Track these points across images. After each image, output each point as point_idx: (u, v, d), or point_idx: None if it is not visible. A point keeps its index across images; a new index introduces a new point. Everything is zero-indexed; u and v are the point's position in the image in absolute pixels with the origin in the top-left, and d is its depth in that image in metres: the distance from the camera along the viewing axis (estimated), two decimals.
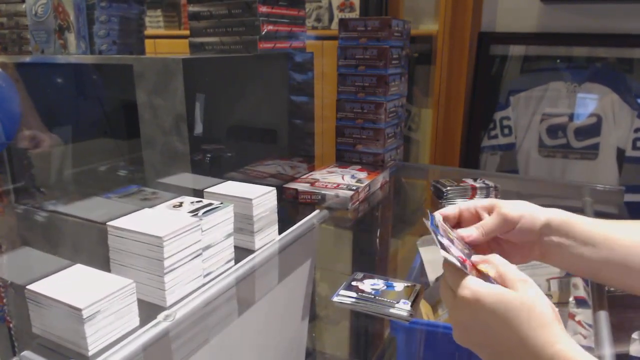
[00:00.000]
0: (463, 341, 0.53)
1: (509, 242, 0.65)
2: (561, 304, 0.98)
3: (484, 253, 0.60)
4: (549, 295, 1.00)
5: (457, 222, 0.67)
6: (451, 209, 0.66)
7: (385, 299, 0.73)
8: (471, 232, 0.63)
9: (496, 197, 1.19)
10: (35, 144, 0.98)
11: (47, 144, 0.98)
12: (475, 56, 1.96)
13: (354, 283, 0.77)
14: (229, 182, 0.82)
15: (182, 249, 0.62)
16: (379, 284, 0.77)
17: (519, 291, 0.49)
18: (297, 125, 1.19)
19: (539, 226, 0.62)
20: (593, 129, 1.81)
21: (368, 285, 0.77)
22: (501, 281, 0.52)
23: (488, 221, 0.63)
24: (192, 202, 0.71)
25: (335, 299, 0.74)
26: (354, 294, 0.74)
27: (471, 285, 0.51)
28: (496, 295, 0.49)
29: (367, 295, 0.74)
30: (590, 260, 0.62)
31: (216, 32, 1.02)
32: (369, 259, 1.31)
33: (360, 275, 0.80)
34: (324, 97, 1.57)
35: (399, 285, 0.77)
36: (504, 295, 0.49)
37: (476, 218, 0.65)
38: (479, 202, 0.65)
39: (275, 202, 0.81)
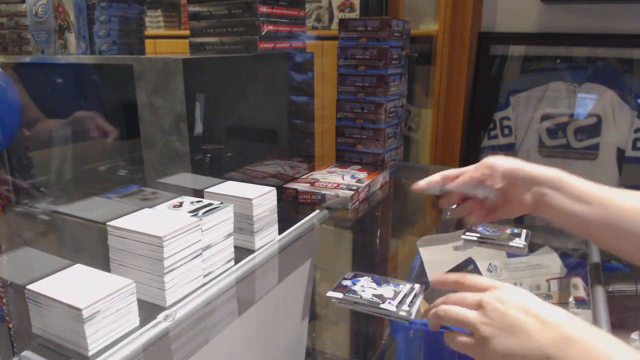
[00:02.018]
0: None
1: (502, 195, 0.72)
2: (561, 304, 0.98)
3: (476, 207, 0.74)
4: (549, 296, 1.00)
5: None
6: (452, 171, 0.75)
7: (384, 299, 0.73)
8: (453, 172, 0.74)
9: None
10: (102, 134, 0.96)
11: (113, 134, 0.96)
12: (475, 56, 1.96)
13: (349, 283, 0.77)
14: (229, 182, 0.82)
15: (182, 249, 0.62)
16: (376, 283, 0.77)
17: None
18: (297, 125, 1.19)
19: (525, 175, 0.69)
20: (593, 129, 1.81)
21: (366, 285, 0.77)
22: (477, 289, 0.57)
23: (466, 168, 0.73)
24: (192, 202, 0.71)
25: (331, 294, 0.74)
26: (350, 294, 0.74)
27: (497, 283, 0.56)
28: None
29: (361, 295, 0.74)
30: (582, 218, 0.65)
31: (216, 32, 1.02)
32: (369, 259, 1.31)
33: (352, 274, 0.80)
34: (324, 97, 1.57)
35: (399, 285, 0.77)
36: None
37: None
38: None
39: (275, 202, 0.81)
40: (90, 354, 0.52)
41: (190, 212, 0.68)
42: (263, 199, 0.77)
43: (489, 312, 0.52)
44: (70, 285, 0.55)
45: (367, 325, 1.34)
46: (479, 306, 0.54)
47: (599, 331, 0.49)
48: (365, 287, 0.76)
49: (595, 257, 0.86)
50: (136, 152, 0.90)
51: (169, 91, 0.83)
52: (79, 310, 0.50)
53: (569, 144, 1.85)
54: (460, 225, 1.10)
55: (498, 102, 1.96)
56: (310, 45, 1.18)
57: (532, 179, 0.68)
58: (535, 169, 0.69)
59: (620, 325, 0.75)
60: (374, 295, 0.73)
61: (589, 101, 1.82)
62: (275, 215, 0.82)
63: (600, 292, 0.75)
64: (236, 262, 0.73)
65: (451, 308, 0.56)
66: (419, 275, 1.04)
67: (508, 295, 0.53)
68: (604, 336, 0.48)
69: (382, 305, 0.71)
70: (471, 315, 0.54)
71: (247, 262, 0.74)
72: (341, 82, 1.26)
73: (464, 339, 0.54)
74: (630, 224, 0.62)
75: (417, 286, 0.77)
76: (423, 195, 1.45)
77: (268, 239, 0.80)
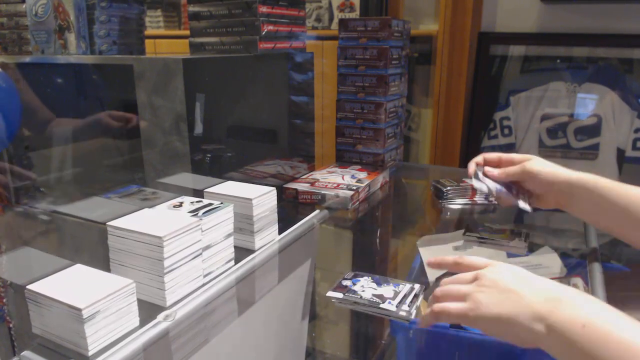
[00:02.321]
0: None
1: (537, 191, 0.79)
2: None
3: (520, 192, 0.80)
4: None
5: (497, 166, 0.83)
6: (492, 155, 0.84)
7: (384, 299, 0.73)
8: (494, 171, 0.81)
9: None
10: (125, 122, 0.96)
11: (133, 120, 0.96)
12: (475, 56, 1.96)
13: (349, 283, 0.77)
14: (229, 182, 0.82)
15: (182, 249, 0.62)
16: (376, 283, 0.77)
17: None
18: (297, 125, 1.19)
19: (558, 183, 0.75)
20: (593, 129, 1.81)
21: (366, 285, 0.77)
22: (474, 267, 0.60)
23: (511, 168, 0.80)
24: (192, 202, 0.71)
25: (331, 294, 0.74)
26: (350, 294, 0.74)
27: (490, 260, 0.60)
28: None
29: (361, 295, 0.74)
30: (612, 219, 0.71)
31: (216, 32, 1.02)
32: (369, 259, 1.31)
33: (352, 274, 0.80)
34: (324, 97, 1.57)
35: (399, 285, 0.77)
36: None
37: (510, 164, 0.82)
38: (515, 155, 0.82)
39: (275, 202, 0.81)
40: (90, 354, 0.52)
41: (190, 212, 0.68)
42: (263, 199, 0.77)
43: (483, 281, 0.56)
44: (70, 285, 0.55)
45: (367, 325, 1.33)
46: (474, 279, 0.57)
47: (587, 294, 0.53)
48: (365, 287, 0.76)
49: (595, 257, 0.86)
50: (136, 152, 0.90)
51: (169, 91, 0.83)
52: (79, 310, 0.50)
53: (569, 144, 1.85)
54: (460, 225, 1.10)
55: (498, 102, 1.96)
56: (310, 45, 1.18)
57: (567, 182, 0.74)
58: (570, 173, 0.75)
59: None
60: (374, 295, 0.73)
61: (589, 101, 1.82)
62: (275, 215, 0.82)
63: (600, 292, 0.75)
64: (236, 262, 0.73)
65: (448, 286, 0.59)
66: (419, 275, 1.04)
67: (502, 269, 0.57)
68: (591, 298, 0.52)
69: (382, 305, 0.71)
70: (467, 287, 0.57)
71: (247, 262, 0.74)
72: (341, 82, 1.26)
73: (456, 304, 0.56)
74: None
75: (417, 286, 0.77)
76: (423, 195, 1.45)
77: (268, 239, 0.80)
